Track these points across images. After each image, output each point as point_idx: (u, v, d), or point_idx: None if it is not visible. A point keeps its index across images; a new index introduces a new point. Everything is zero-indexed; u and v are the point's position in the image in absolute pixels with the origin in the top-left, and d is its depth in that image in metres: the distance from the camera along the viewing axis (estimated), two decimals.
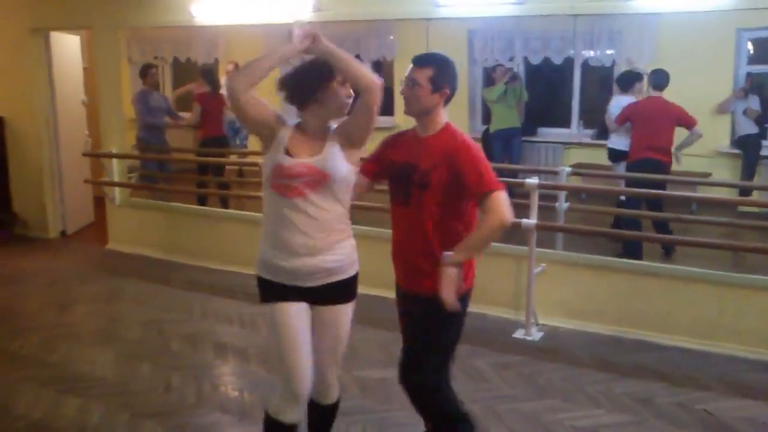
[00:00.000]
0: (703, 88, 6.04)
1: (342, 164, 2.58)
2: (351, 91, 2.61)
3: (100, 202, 7.66)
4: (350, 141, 2.61)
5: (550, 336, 4.76)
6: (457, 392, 3.67)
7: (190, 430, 3.48)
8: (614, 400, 3.80)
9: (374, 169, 2.86)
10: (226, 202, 7.07)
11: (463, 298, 2.69)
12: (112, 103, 6.85)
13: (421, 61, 2.68)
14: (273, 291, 2.63)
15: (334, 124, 2.67)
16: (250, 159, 7.02)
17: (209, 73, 8.08)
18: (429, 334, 2.76)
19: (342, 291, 2.71)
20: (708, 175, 6.61)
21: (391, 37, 8.44)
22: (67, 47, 7.56)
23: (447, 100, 2.72)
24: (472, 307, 4.97)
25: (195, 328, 4.87)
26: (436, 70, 2.66)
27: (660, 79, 5.83)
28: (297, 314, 2.61)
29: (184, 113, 7.90)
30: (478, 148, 2.66)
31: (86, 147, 7.47)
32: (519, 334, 4.76)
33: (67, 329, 4.90)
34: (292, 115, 2.76)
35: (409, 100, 2.68)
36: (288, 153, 2.57)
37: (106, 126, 6.92)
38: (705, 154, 6.76)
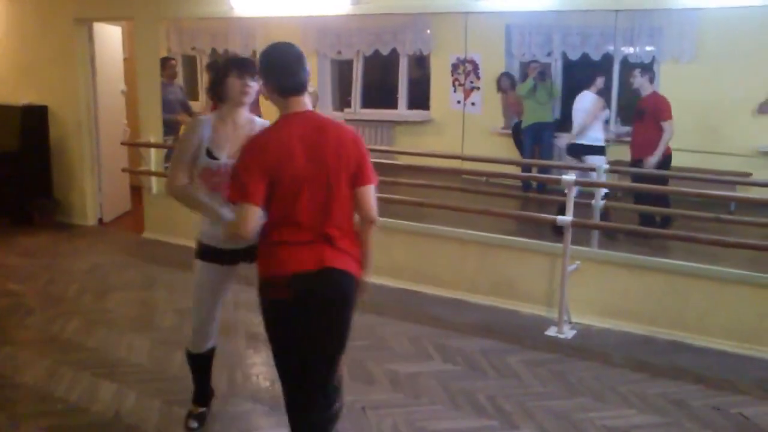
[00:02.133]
0: (746, 87, 5.90)
1: None
2: (248, 82, 3.00)
3: (136, 191, 7.78)
4: None
5: (583, 334, 4.72)
6: (489, 388, 3.68)
7: (221, 419, 3.52)
8: (647, 401, 3.76)
9: None
10: None
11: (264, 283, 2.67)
12: (150, 94, 6.95)
13: None
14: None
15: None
16: None
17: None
18: None
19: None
20: (748, 174, 6.48)
21: (428, 31, 8.42)
22: (109, 38, 7.68)
23: (279, 92, 2.60)
24: (505, 304, 4.98)
25: (228, 318, 4.91)
26: (259, 65, 2.70)
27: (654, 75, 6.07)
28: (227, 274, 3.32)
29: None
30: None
31: (125, 136, 7.59)
32: (551, 331, 4.73)
33: (104, 315, 4.99)
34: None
35: None
36: (210, 154, 3.03)
37: (144, 116, 7.02)
38: (746, 154, 6.63)
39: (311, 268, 2.54)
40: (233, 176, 2.56)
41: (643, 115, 5.98)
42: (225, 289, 3.40)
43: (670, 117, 5.77)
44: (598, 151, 6.39)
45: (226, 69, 3.03)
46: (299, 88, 2.59)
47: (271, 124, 2.66)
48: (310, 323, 2.60)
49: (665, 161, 5.81)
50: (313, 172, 2.52)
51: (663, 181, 5.74)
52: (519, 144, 8.12)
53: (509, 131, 8.09)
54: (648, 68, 6.10)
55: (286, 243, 2.56)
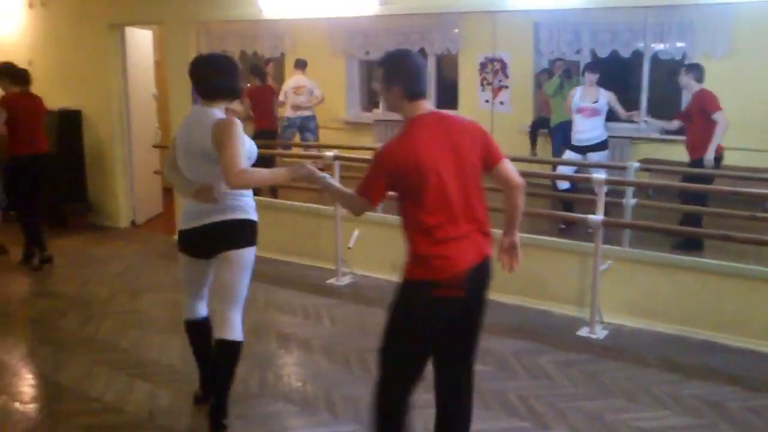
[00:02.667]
0: None
1: None
2: None
3: (168, 193, 7.86)
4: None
5: (615, 334, 4.67)
6: (520, 388, 3.66)
7: (253, 419, 3.55)
8: (681, 402, 3.71)
9: None
10: (275, 193, 7.21)
11: (405, 285, 2.74)
12: (181, 96, 7.01)
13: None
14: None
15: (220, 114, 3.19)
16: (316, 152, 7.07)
17: (257, 68, 8.22)
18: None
19: None
20: None
21: (456, 30, 8.41)
22: (140, 42, 7.78)
23: (408, 96, 2.68)
24: (536, 304, 4.96)
25: (259, 319, 4.96)
26: (384, 70, 2.74)
27: (702, 73, 5.79)
28: None
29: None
30: (379, 154, 2.71)
31: (156, 139, 7.68)
32: (583, 332, 4.69)
33: (138, 316, 5.06)
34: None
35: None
36: None
37: (175, 118, 7.09)
38: None
39: (477, 260, 2.71)
40: (368, 173, 2.71)
41: (691, 114, 5.79)
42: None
43: (719, 108, 5.56)
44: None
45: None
46: (425, 91, 2.73)
47: (404, 128, 2.72)
48: (470, 311, 2.82)
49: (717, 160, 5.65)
50: (457, 166, 2.65)
51: (708, 180, 5.58)
52: (534, 140, 8.09)
53: (543, 130, 8.04)
54: (694, 67, 5.83)
55: (452, 239, 2.66)
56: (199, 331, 3.59)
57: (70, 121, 7.61)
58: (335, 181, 3.12)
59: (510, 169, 2.85)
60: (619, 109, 6.52)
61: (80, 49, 7.51)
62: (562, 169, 6.48)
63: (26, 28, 7.93)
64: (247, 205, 3.28)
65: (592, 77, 6.48)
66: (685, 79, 5.79)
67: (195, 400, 3.68)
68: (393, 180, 2.65)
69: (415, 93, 2.68)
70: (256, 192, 3.52)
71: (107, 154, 7.62)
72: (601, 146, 6.52)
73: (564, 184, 6.39)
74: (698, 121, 5.70)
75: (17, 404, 3.75)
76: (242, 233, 3.27)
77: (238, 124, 3.09)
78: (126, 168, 7.66)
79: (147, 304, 5.35)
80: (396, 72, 2.69)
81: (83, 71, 7.53)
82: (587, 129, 6.48)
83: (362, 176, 2.73)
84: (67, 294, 5.55)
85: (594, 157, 6.47)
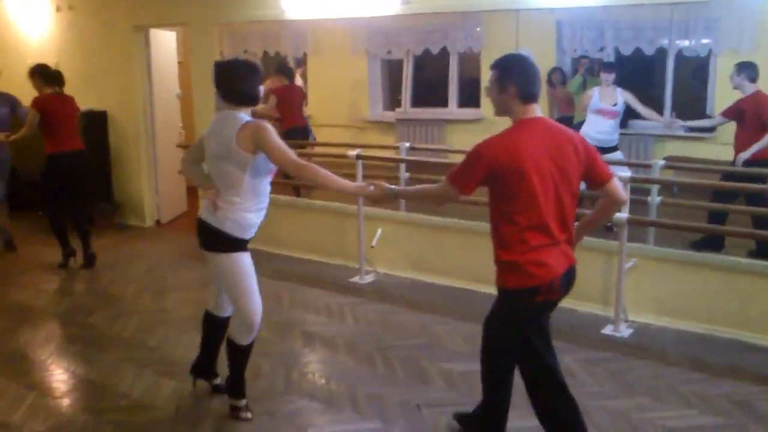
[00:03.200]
0: None
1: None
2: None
3: (192, 193, 7.94)
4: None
5: (640, 333, 4.64)
6: (524, 387, 3.63)
7: (278, 417, 3.57)
8: (708, 402, 3.68)
9: None
10: (298, 191, 7.24)
11: (508, 295, 2.87)
12: (205, 97, 7.08)
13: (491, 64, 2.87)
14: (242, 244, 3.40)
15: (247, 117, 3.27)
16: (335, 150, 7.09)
17: (285, 67, 8.25)
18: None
19: None
20: None
21: (478, 29, 8.39)
22: (164, 43, 7.86)
23: (522, 97, 2.77)
24: (562, 302, 4.91)
25: (284, 317, 5.00)
26: (499, 71, 2.82)
27: (756, 72, 5.56)
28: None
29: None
30: (482, 147, 2.76)
31: (180, 139, 7.75)
32: (608, 330, 4.66)
33: (163, 314, 5.11)
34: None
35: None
36: None
37: (199, 118, 7.16)
38: None
39: (566, 267, 2.82)
40: (460, 164, 2.79)
41: (743, 116, 5.56)
42: None
43: None
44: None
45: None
46: (538, 96, 2.82)
47: (512, 128, 2.80)
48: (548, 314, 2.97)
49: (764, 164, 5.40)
50: (557, 174, 2.73)
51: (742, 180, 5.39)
52: None
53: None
54: (746, 65, 5.58)
55: (545, 246, 2.75)
56: (213, 325, 3.77)
57: (96, 122, 7.71)
58: (401, 186, 3.25)
59: (619, 187, 2.91)
60: (641, 109, 6.43)
61: (106, 51, 7.61)
62: None
63: (53, 31, 8.04)
64: (227, 218, 3.30)
65: (608, 77, 6.41)
66: (738, 79, 5.56)
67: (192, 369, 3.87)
68: (490, 175, 2.72)
69: (529, 95, 2.77)
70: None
71: (132, 154, 7.71)
72: (615, 148, 6.47)
73: None
74: (751, 124, 5.48)
75: (48, 400, 3.81)
76: (212, 238, 3.37)
77: (270, 127, 3.20)
78: (151, 168, 7.74)
79: (172, 302, 5.41)
80: (512, 73, 2.77)
81: (108, 73, 7.62)
82: (607, 131, 6.41)
83: (456, 165, 2.80)
84: (95, 292, 5.63)
85: (608, 158, 6.40)
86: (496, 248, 2.84)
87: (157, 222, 7.89)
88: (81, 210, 6.38)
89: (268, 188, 3.41)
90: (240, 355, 3.54)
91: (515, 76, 2.76)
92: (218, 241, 3.35)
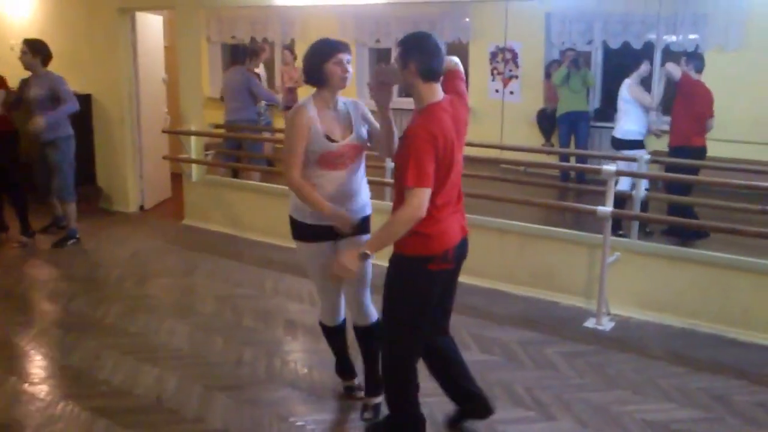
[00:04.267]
0: None
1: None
2: (347, 68, 3.10)
3: (177, 179, 7.88)
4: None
5: (622, 326, 4.67)
6: (526, 379, 3.66)
7: (260, 405, 3.56)
8: (688, 395, 3.71)
9: None
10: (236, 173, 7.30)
11: (426, 259, 2.84)
12: (191, 82, 7.02)
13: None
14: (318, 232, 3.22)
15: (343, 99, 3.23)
16: None
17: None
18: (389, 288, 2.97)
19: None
20: None
21: (467, 19, 8.37)
22: (150, 27, 7.77)
23: (425, 77, 2.78)
24: (544, 295, 4.95)
25: (267, 305, 4.98)
26: (401, 48, 2.82)
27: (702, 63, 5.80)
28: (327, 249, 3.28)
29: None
30: (424, 138, 2.68)
31: (165, 124, 7.68)
32: (590, 323, 4.69)
33: (146, 301, 5.08)
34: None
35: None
36: (329, 138, 3.09)
37: (185, 104, 7.10)
38: None
39: (462, 236, 2.96)
40: (412, 163, 2.66)
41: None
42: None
43: None
44: (633, 145, 6.22)
45: (324, 54, 3.08)
46: (441, 75, 2.86)
47: (428, 111, 2.79)
48: (453, 282, 3.09)
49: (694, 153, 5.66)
50: (459, 151, 2.87)
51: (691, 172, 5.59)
52: (543, 130, 8.05)
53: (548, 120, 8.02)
54: (696, 56, 5.83)
55: (447, 218, 2.85)
56: (343, 330, 3.65)
57: (80, 106, 7.60)
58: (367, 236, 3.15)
59: None
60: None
61: (90, 34, 7.51)
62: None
63: (36, 12, 7.93)
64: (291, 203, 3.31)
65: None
66: (686, 69, 5.79)
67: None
68: (437, 161, 2.72)
69: (429, 73, 2.79)
70: None
71: (117, 139, 7.63)
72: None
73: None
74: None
75: (26, 385, 3.78)
76: (291, 226, 3.35)
77: (289, 114, 3.20)
78: (135, 152, 7.67)
79: (156, 288, 5.37)
80: (414, 50, 2.79)
81: (93, 55, 7.53)
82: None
83: (407, 167, 2.66)
84: (77, 277, 5.58)
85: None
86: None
87: (141, 207, 7.83)
88: (15, 190, 6.37)
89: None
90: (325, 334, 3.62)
91: (417, 54, 2.77)
92: (292, 227, 3.39)
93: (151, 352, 4.19)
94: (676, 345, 4.37)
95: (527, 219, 5.31)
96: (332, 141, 3.11)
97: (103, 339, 4.36)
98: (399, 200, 2.77)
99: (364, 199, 3.30)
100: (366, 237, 3.19)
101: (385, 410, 3.30)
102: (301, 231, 3.27)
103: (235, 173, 7.26)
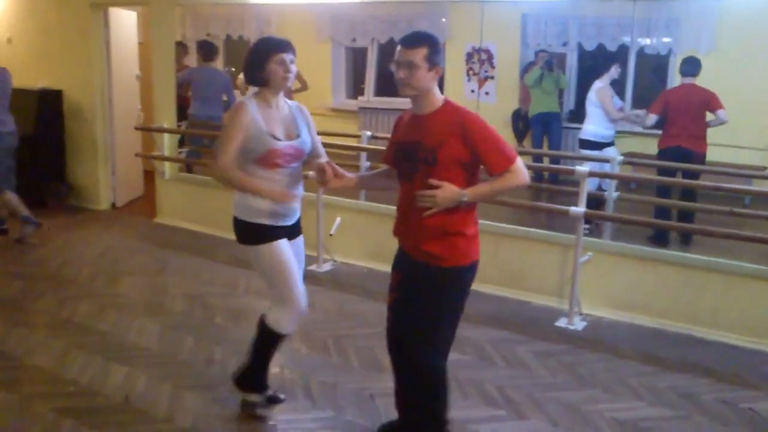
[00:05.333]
0: (765, 79, 5.85)
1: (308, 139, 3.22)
2: (290, 67, 3.06)
3: (149, 176, 7.81)
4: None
5: (594, 326, 4.70)
6: (498, 378, 3.68)
7: (230, 404, 3.52)
8: (657, 394, 3.74)
9: (388, 155, 3.03)
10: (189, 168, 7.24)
11: (468, 269, 2.83)
12: (165, 79, 6.95)
13: (414, 42, 2.70)
14: (272, 232, 3.17)
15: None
16: None
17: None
18: (438, 305, 2.85)
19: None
20: (763, 168, 6.43)
21: (444, 20, 8.38)
22: (124, 23, 7.68)
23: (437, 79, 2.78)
24: (516, 294, 4.97)
25: (238, 304, 4.95)
26: (431, 49, 2.69)
27: (691, 67, 5.75)
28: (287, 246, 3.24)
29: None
30: (485, 121, 2.72)
31: (138, 121, 7.60)
32: (562, 322, 4.71)
33: (116, 299, 5.02)
34: None
35: (407, 83, 2.70)
36: (273, 136, 3.07)
37: (158, 101, 7.03)
38: (761, 147, 6.57)
39: None
40: (501, 144, 2.69)
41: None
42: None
43: None
44: (596, 146, 6.25)
45: (266, 53, 3.05)
46: None
47: (455, 104, 2.77)
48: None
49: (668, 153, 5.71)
50: None
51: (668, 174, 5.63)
52: (516, 132, 8.09)
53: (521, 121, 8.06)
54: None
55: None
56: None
57: (51, 101, 7.52)
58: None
59: None
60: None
61: (62, 29, 7.41)
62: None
63: (6, 6, 7.81)
64: (242, 204, 3.18)
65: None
66: None
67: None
68: None
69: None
70: None
71: (88, 135, 7.54)
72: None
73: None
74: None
75: None
76: (236, 230, 3.26)
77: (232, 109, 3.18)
78: (107, 149, 7.58)
79: (126, 287, 5.31)
80: (440, 52, 2.74)
81: (65, 51, 7.42)
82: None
83: (502, 148, 2.69)
84: (45, 275, 5.49)
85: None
86: (460, 223, 2.77)
87: (113, 205, 7.74)
88: None
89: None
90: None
91: (441, 56, 2.74)
92: (240, 231, 3.31)
93: (120, 351, 4.13)
94: (647, 344, 4.41)
95: (500, 219, 5.32)
96: (277, 139, 3.08)
97: (71, 338, 4.30)
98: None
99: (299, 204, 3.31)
100: (302, 238, 3.37)
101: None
102: (262, 233, 3.17)
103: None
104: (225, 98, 7.32)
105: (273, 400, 3.50)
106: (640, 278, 4.79)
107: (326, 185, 2.98)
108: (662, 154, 5.73)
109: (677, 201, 5.64)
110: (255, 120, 3.04)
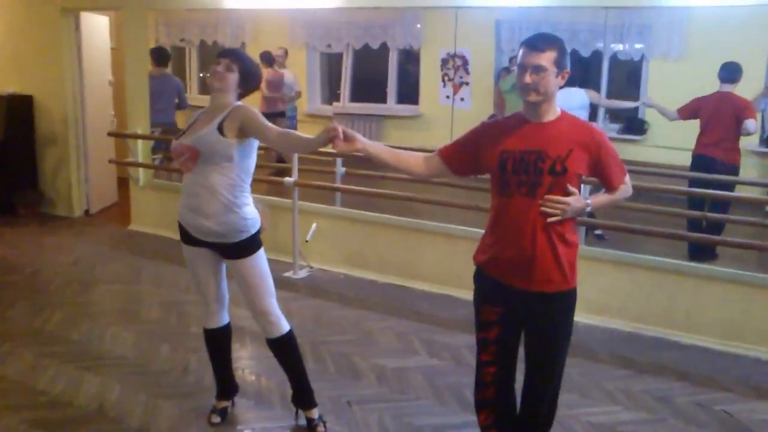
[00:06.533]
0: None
1: (214, 141, 2.98)
2: (215, 72, 3.08)
3: (123, 183, 7.72)
4: (244, 133, 3.01)
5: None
6: (473, 384, 3.67)
7: (206, 413, 3.49)
8: (632, 397, 3.77)
9: (453, 154, 2.75)
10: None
11: (572, 294, 2.72)
12: (138, 84, 6.89)
13: (543, 44, 2.49)
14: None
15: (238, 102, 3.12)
16: None
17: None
18: (561, 333, 2.75)
19: (234, 251, 3.18)
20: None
21: (418, 26, 8.41)
22: (96, 28, 7.60)
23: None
24: (461, 294, 4.97)
25: None
26: (560, 52, 2.49)
27: (729, 73, 5.62)
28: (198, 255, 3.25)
29: None
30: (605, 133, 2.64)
31: (112, 127, 7.53)
32: None
33: (89, 307, 4.95)
34: None
35: (534, 88, 2.48)
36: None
37: (131, 107, 6.96)
38: None
39: None
40: (619, 158, 2.61)
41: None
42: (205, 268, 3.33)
43: None
44: None
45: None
46: None
47: (571, 116, 2.63)
48: None
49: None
50: None
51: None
52: None
53: None
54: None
55: None
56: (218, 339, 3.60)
57: (21, 107, 7.41)
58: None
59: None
60: None
61: (32, 33, 7.31)
62: None
63: None
64: (240, 222, 3.12)
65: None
66: None
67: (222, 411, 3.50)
68: None
69: None
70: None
71: (60, 142, 7.44)
72: None
73: None
74: None
75: None
76: (240, 249, 3.21)
77: None
78: (80, 156, 7.49)
79: (100, 295, 5.24)
80: (567, 53, 2.54)
81: (35, 56, 7.32)
82: None
83: (617, 158, 2.61)
84: (16, 284, 5.40)
85: None
86: (567, 246, 2.60)
87: (86, 212, 7.64)
88: None
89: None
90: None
91: (568, 59, 2.52)
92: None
93: (94, 361, 4.07)
94: (622, 348, 4.45)
95: (476, 224, 5.33)
96: (178, 138, 3.13)
97: (43, 348, 4.23)
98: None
99: (212, 224, 3.08)
100: (246, 260, 3.19)
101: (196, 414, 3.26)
102: (258, 237, 3.22)
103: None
104: (177, 100, 7.34)
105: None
106: (615, 282, 4.83)
107: (335, 147, 2.73)
108: (692, 162, 5.71)
109: (647, 205, 5.68)
110: (190, 119, 3.21)
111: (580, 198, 2.53)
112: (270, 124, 3.03)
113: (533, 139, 2.52)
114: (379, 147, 2.84)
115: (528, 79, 2.47)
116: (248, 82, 3.15)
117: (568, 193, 2.50)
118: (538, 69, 2.46)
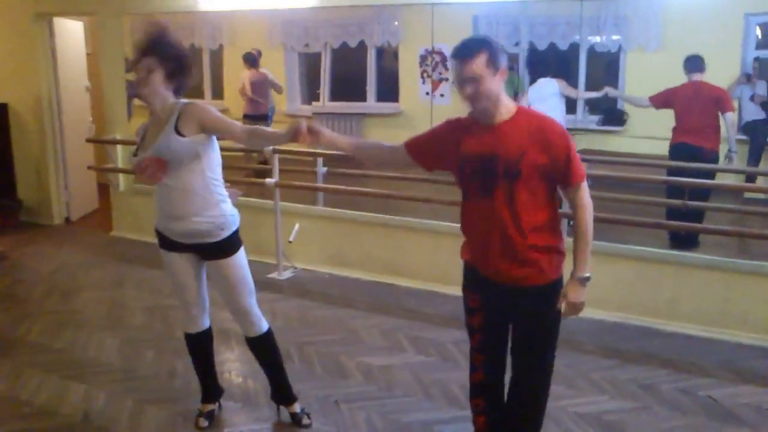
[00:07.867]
0: (711, 74, 5.98)
1: (176, 144, 2.90)
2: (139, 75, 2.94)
3: (104, 189, 7.66)
4: (206, 131, 2.95)
5: None
6: (462, 379, 3.68)
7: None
8: (618, 387, 3.80)
9: (417, 148, 2.81)
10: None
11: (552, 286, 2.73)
12: (115, 90, 6.84)
13: (471, 50, 2.45)
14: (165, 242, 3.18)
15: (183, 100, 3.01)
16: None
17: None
18: (541, 326, 2.75)
19: (216, 251, 3.11)
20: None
21: (396, 23, 8.41)
22: (71, 33, 7.54)
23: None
24: (446, 289, 5.00)
25: None
26: (491, 52, 2.44)
27: (694, 63, 5.73)
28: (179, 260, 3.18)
29: None
30: (563, 127, 2.55)
31: (90, 133, 7.46)
32: None
33: (72, 315, 4.91)
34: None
35: (476, 98, 2.46)
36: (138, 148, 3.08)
37: (109, 112, 6.91)
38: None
39: None
40: (577, 158, 2.50)
41: None
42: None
43: None
44: None
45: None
46: None
47: (531, 110, 2.64)
48: None
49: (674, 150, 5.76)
50: None
51: None
52: None
53: None
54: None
55: None
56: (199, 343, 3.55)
57: None
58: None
59: None
60: None
61: (4, 40, 7.23)
62: None
63: None
64: (219, 220, 3.09)
65: None
66: None
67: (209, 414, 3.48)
68: None
69: None
70: None
71: (38, 150, 7.37)
72: None
73: None
74: None
75: None
76: (223, 247, 3.18)
77: None
78: (58, 163, 7.42)
79: (82, 303, 5.20)
80: (502, 50, 2.50)
81: (8, 62, 7.24)
82: None
83: (576, 162, 2.51)
84: None
85: None
86: (552, 237, 2.65)
87: (67, 219, 7.58)
88: None
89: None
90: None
91: (503, 55, 2.48)
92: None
93: (78, 369, 4.04)
94: (607, 338, 4.48)
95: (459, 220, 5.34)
96: (134, 155, 3.08)
97: (25, 357, 4.19)
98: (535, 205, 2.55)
99: (194, 224, 3.02)
100: (228, 260, 3.11)
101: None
102: (238, 235, 3.18)
103: None
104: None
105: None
106: (599, 273, 4.79)
107: (300, 141, 2.82)
108: (671, 150, 5.76)
109: (628, 195, 5.72)
110: (139, 132, 3.14)
111: (574, 287, 2.71)
112: (231, 120, 3.03)
113: (487, 142, 2.52)
114: (344, 139, 2.90)
115: (468, 91, 2.46)
116: (177, 72, 2.96)
117: (532, 192, 2.51)
118: (474, 79, 2.43)
